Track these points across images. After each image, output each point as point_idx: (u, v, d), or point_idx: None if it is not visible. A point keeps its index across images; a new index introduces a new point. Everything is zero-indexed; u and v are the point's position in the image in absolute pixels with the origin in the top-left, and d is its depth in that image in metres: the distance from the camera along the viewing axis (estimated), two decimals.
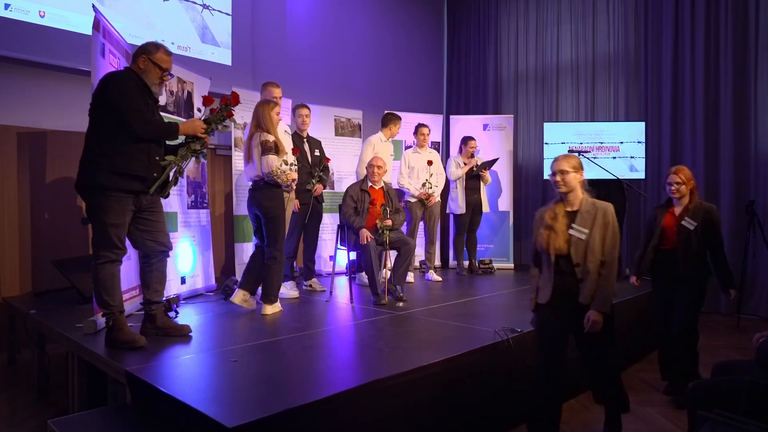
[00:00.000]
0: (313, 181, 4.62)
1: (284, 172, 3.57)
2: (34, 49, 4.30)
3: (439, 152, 6.65)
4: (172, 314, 3.34)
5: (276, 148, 3.54)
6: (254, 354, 2.66)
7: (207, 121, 2.89)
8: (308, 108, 4.80)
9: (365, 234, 4.14)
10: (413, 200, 5.28)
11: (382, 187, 4.52)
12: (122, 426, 2.12)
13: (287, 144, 4.36)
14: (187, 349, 2.72)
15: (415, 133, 5.46)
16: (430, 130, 5.50)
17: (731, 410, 1.76)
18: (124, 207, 2.67)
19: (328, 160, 4.91)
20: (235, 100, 2.98)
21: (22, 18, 4.24)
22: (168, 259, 3.00)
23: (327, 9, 6.73)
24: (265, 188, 3.62)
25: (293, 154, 3.96)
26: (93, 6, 3.04)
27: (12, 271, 4.26)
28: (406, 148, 6.24)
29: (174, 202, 4.06)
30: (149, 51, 2.78)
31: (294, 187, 3.99)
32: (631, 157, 5.68)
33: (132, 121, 2.60)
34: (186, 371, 2.40)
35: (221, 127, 2.95)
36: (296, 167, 3.95)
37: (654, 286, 3.46)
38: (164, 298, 3.07)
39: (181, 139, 2.87)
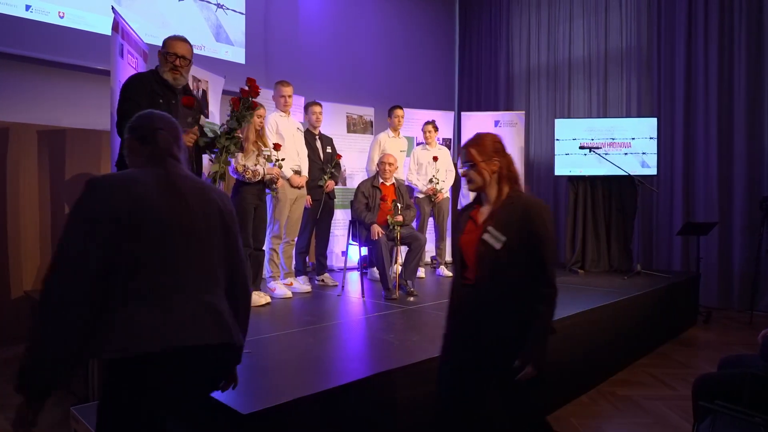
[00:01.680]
0: (325, 177, 4.69)
1: (247, 169, 3.68)
2: (54, 49, 4.41)
3: (450, 149, 6.68)
4: None
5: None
6: (267, 345, 2.73)
7: (231, 126, 2.98)
8: (321, 105, 4.86)
9: (376, 229, 4.20)
10: (421, 196, 5.33)
11: (393, 184, 4.58)
12: None
13: (297, 141, 4.43)
14: None
15: (423, 130, 5.50)
16: (436, 128, 5.51)
17: (735, 403, 1.79)
18: None
19: (340, 156, 4.97)
20: (255, 90, 3.06)
21: (42, 19, 4.35)
22: None
23: (339, 7, 6.79)
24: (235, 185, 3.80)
25: (275, 150, 3.98)
26: (112, 8, 3.13)
27: (32, 265, 4.39)
28: (418, 144, 6.28)
29: None
30: (162, 45, 2.81)
31: (276, 184, 4.00)
32: (643, 153, 5.67)
33: (121, 127, 2.63)
34: None
35: (248, 118, 3.03)
36: (283, 162, 4.02)
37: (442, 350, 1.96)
38: None
39: None
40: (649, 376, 3.63)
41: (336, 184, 4.90)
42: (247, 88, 3.05)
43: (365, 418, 2.14)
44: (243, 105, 3.01)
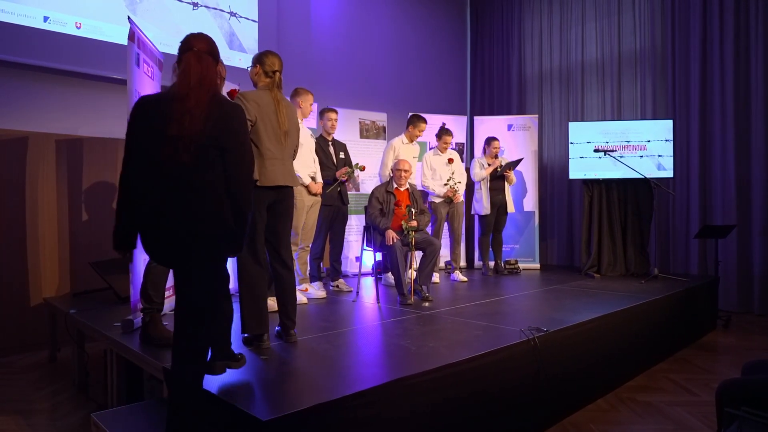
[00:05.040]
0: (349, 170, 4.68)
1: None
2: (71, 60, 4.48)
3: (463, 153, 6.68)
4: None
5: None
6: (284, 351, 2.73)
7: None
8: (336, 112, 4.88)
9: (391, 235, 4.19)
10: (438, 200, 5.32)
11: (407, 189, 4.57)
12: (161, 419, 2.21)
13: (312, 148, 4.44)
14: None
15: (439, 137, 5.45)
16: (453, 136, 5.53)
17: (760, 408, 1.75)
18: None
19: (364, 168, 4.90)
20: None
21: (59, 30, 4.42)
22: None
23: (351, 13, 6.82)
24: None
25: None
26: (129, 18, 3.16)
27: (52, 273, 4.44)
28: (430, 149, 6.27)
29: None
30: None
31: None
32: (659, 156, 5.61)
33: None
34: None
35: None
36: None
37: None
38: None
39: None
40: (669, 381, 3.58)
41: (348, 180, 4.84)
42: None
43: (384, 424, 2.13)
44: None
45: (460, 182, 5.33)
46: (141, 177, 1.90)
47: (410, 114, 5.45)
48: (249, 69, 3.00)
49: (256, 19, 5.78)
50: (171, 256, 1.95)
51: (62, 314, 3.72)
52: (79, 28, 4.53)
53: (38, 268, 4.37)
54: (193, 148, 1.85)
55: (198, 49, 2.00)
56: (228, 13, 5.54)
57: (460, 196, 5.36)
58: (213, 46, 2.08)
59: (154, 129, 1.86)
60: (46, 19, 4.35)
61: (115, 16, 4.66)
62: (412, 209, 4.29)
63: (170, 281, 3.44)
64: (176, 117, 1.84)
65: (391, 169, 4.68)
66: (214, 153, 1.90)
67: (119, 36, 4.64)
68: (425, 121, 5.31)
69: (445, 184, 5.25)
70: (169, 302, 3.56)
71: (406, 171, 4.51)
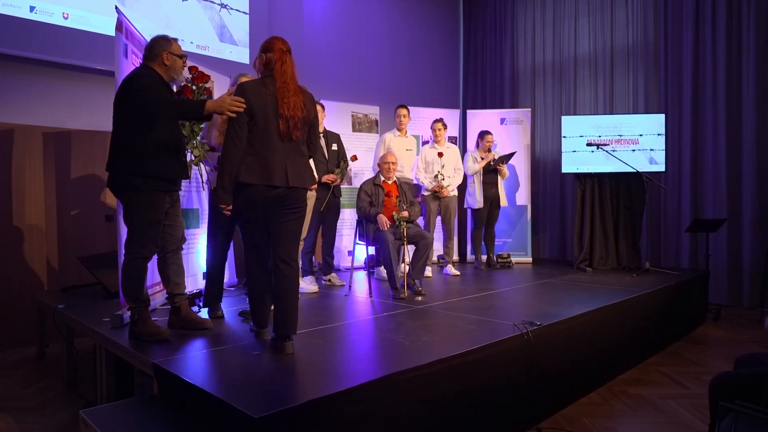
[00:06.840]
0: (337, 171, 4.66)
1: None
2: (58, 51, 4.40)
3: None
4: (195, 309, 3.41)
5: None
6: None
7: None
8: (320, 104, 4.83)
9: (383, 219, 4.17)
10: (427, 194, 5.30)
11: (395, 182, 4.55)
12: (151, 416, 2.18)
13: None
14: (210, 343, 2.77)
15: (431, 128, 5.46)
16: (445, 126, 5.49)
17: (753, 402, 1.75)
18: (162, 204, 2.75)
19: (355, 158, 4.89)
20: (199, 78, 3.21)
21: (46, 20, 4.34)
22: (182, 252, 3.05)
23: (343, 5, 6.76)
24: None
25: None
26: (116, 8, 3.11)
27: (40, 268, 4.38)
28: (424, 143, 6.25)
29: (197, 198, 4.13)
30: (166, 47, 2.80)
31: None
32: (651, 150, 5.62)
33: (158, 110, 2.62)
34: (211, 363, 2.45)
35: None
36: None
37: None
38: (187, 292, 3.13)
39: None
40: (660, 374, 3.60)
41: (341, 181, 4.83)
42: (191, 75, 3.25)
43: (378, 420, 2.12)
44: (198, 93, 3.18)
45: (450, 177, 5.30)
46: (255, 143, 2.49)
47: None
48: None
49: (247, 12, 5.71)
50: (279, 207, 2.53)
51: (50, 310, 3.67)
52: (66, 18, 4.45)
53: (26, 263, 4.31)
54: (300, 125, 2.57)
55: (286, 49, 2.62)
56: (218, 5, 5.46)
57: (449, 191, 5.32)
58: (289, 46, 2.69)
59: (267, 107, 2.48)
60: (32, 8, 4.27)
61: (102, 6, 4.58)
62: (402, 201, 4.28)
63: (155, 278, 3.40)
64: (285, 101, 2.49)
65: (378, 163, 4.65)
66: (306, 129, 2.65)
67: (107, 27, 4.57)
68: (402, 106, 5.36)
69: (435, 177, 5.23)
70: (159, 298, 3.52)
71: (393, 163, 4.49)
